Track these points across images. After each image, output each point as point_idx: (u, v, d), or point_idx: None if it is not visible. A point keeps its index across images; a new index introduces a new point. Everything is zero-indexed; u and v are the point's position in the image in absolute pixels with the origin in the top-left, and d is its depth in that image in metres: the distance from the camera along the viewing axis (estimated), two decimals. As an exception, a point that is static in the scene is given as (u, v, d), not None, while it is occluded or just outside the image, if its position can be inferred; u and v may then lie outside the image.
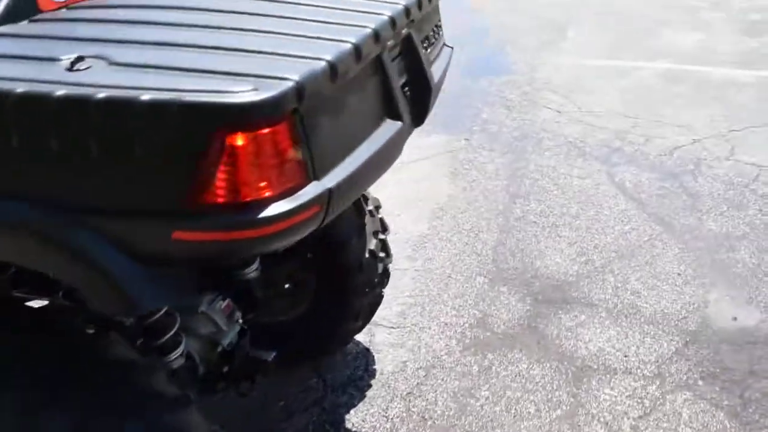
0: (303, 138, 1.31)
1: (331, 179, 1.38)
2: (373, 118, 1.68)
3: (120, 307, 1.49)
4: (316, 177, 1.34)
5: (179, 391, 1.80)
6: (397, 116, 1.76)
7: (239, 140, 1.24)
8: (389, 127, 1.71)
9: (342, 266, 2.73)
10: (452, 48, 2.43)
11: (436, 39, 2.24)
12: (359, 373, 3.09)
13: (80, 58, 1.43)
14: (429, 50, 2.13)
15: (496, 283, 3.67)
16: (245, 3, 1.84)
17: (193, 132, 1.30)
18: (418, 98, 1.97)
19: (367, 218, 2.79)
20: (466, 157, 5.00)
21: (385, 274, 2.94)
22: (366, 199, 2.81)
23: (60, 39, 1.60)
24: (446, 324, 3.38)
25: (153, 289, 1.46)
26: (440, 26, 2.34)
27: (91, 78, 1.37)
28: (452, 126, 5.43)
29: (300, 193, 1.31)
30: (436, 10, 2.29)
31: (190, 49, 1.51)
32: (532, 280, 3.68)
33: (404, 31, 1.90)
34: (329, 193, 1.35)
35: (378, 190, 4.30)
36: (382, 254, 2.86)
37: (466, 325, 3.38)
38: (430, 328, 3.35)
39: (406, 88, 1.93)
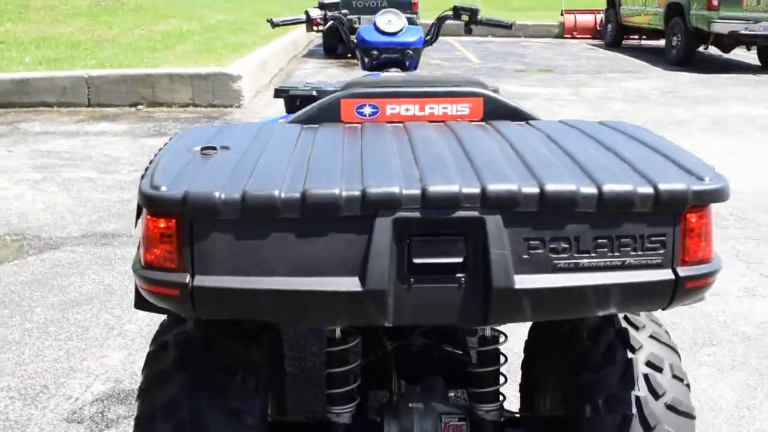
0: (185, 237, 1.56)
1: (206, 282, 1.58)
2: (326, 268, 1.64)
3: None
4: (193, 272, 1.58)
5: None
6: (363, 283, 1.62)
7: (151, 215, 1.60)
8: (328, 283, 1.64)
9: None
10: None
11: (594, 254, 1.62)
12: None
13: (213, 148, 1.74)
14: (555, 255, 1.62)
15: None
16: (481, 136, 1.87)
17: None
18: (474, 294, 1.66)
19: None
20: None
21: None
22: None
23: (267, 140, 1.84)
24: None
25: None
26: (644, 245, 1.61)
27: (195, 164, 1.66)
28: None
29: (169, 272, 1.60)
30: (653, 220, 1.59)
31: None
32: None
33: (470, 213, 1.61)
34: (190, 286, 1.58)
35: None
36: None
37: None
38: None
39: (461, 276, 1.65)
